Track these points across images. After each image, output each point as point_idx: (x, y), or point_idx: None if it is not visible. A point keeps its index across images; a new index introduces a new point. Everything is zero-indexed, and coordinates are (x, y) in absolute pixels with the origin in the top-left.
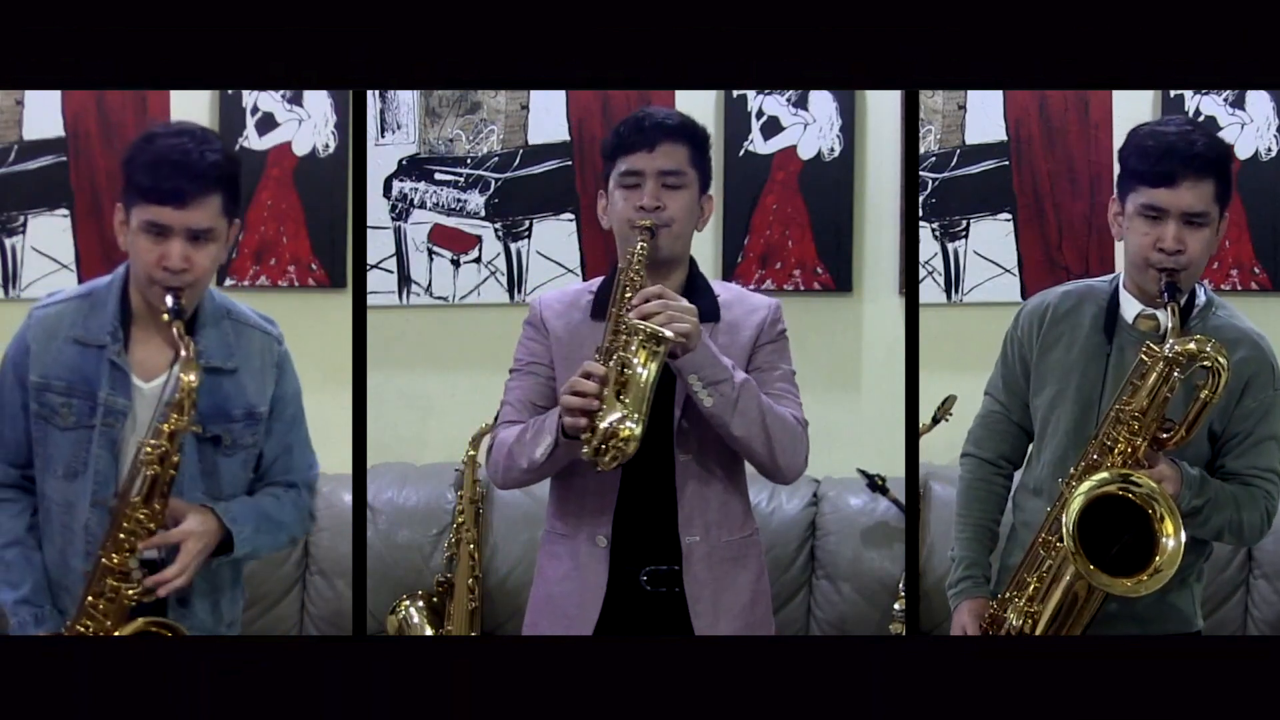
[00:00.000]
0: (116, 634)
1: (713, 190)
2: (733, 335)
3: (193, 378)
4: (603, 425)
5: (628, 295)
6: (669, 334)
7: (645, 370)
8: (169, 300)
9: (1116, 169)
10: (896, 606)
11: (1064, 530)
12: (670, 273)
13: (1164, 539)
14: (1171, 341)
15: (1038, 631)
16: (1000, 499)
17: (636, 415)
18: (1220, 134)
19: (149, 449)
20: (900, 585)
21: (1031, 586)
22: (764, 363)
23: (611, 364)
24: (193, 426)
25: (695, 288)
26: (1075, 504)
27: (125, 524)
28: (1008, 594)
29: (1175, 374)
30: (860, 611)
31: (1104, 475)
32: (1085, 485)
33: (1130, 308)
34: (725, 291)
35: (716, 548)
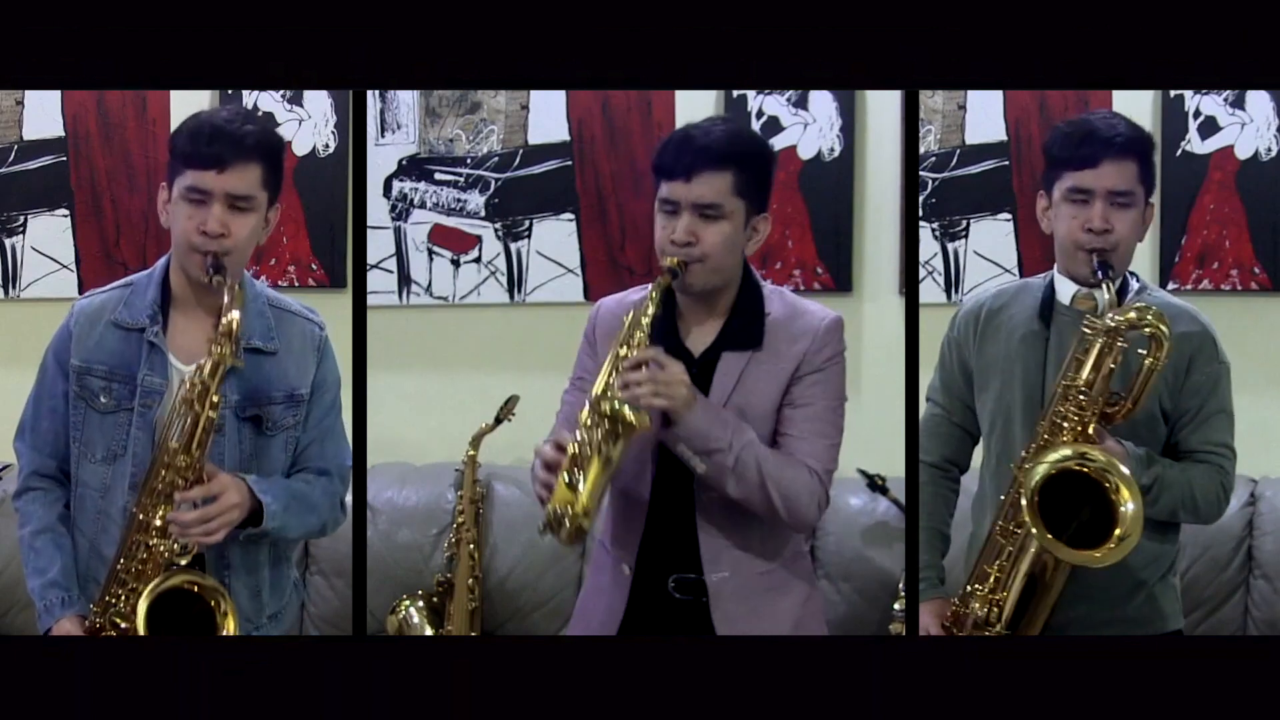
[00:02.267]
0: (153, 585)
1: None
2: (772, 365)
3: (237, 314)
4: (550, 508)
5: (623, 353)
6: (643, 421)
7: (603, 461)
8: (209, 264)
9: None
10: (896, 606)
11: (1023, 506)
12: (712, 300)
13: (1122, 507)
14: (1111, 312)
15: (1004, 617)
16: (949, 501)
17: (587, 500)
18: (1220, 134)
19: (189, 386)
20: (900, 585)
21: (993, 577)
22: (799, 397)
23: (581, 437)
24: (236, 361)
25: (742, 310)
26: (1032, 481)
27: (164, 474)
28: (969, 588)
29: (1118, 344)
30: (860, 611)
31: (1060, 453)
32: (1040, 463)
33: (1066, 290)
34: (779, 308)
35: (749, 580)
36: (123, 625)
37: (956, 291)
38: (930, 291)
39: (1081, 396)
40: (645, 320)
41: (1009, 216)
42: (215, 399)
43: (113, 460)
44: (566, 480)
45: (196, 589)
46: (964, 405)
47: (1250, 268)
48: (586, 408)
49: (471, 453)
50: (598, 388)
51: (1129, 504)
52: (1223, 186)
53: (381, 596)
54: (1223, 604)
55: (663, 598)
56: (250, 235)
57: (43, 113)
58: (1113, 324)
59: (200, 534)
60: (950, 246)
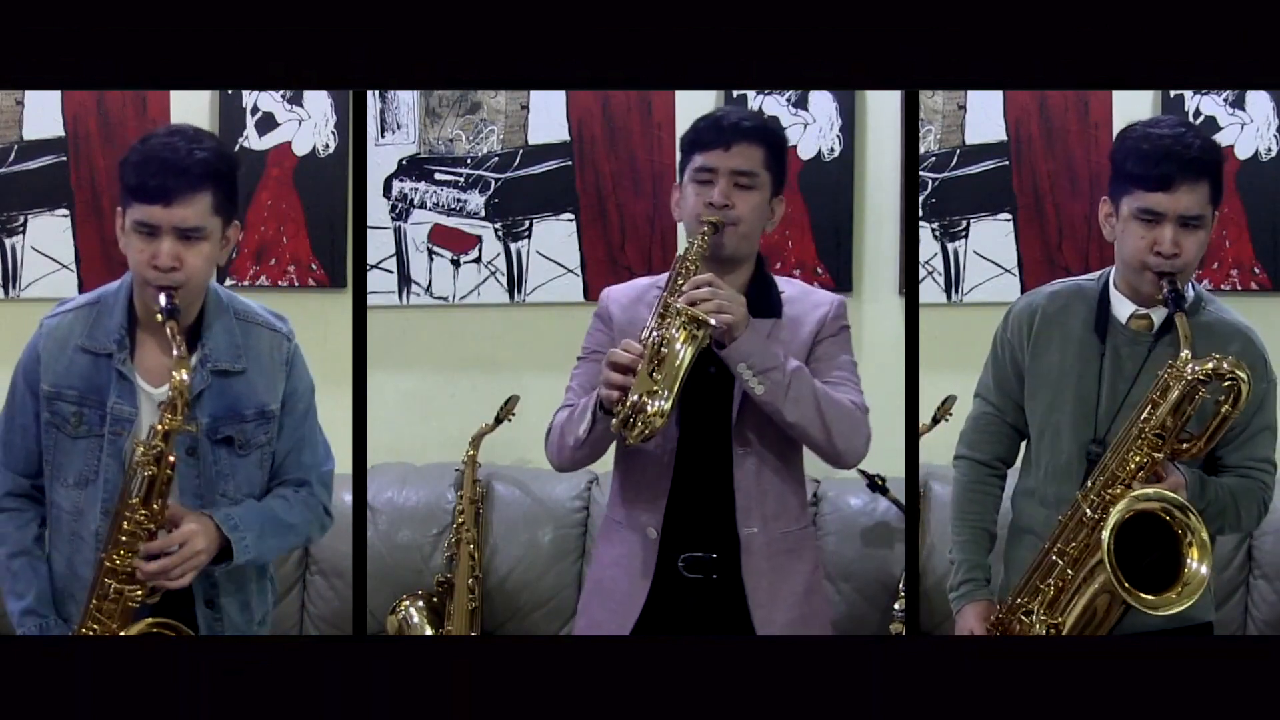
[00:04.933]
0: (122, 634)
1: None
2: (794, 330)
3: (184, 376)
4: (631, 399)
5: (679, 283)
6: (712, 320)
7: (681, 350)
8: (162, 299)
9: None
10: (896, 606)
11: (1103, 549)
12: (734, 270)
13: (1190, 562)
14: (1193, 363)
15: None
16: (996, 500)
17: (666, 393)
18: (1220, 134)
19: (143, 450)
20: (900, 585)
21: (1049, 598)
22: (823, 354)
23: (651, 342)
24: (187, 426)
25: (759, 285)
26: (1111, 523)
27: (126, 525)
28: (1019, 600)
29: (1199, 395)
30: (860, 611)
31: (1144, 492)
32: (1121, 504)
33: (1123, 308)
34: (790, 288)
35: (774, 539)
36: None
37: (956, 291)
38: (930, 291)
39: (1157, 439)
40: (693, 258)
41: (1009, 216)
42: (171, 459)
43: (84, 485)
44: (648, 371)
45: (160, 631)
46: (1015, 405)
47: (1250, 268)
48: (655, 319)
49: (471, 453)
50: (665, 302)
51: (1197, 562)
52: None
53: (381, 596)
54: (1223, 604)
55: (675, 574)
56: (206, 263)
57: (43, 113)
58: (1192, 375)
59: (165, 582)
60: (950, 246)
